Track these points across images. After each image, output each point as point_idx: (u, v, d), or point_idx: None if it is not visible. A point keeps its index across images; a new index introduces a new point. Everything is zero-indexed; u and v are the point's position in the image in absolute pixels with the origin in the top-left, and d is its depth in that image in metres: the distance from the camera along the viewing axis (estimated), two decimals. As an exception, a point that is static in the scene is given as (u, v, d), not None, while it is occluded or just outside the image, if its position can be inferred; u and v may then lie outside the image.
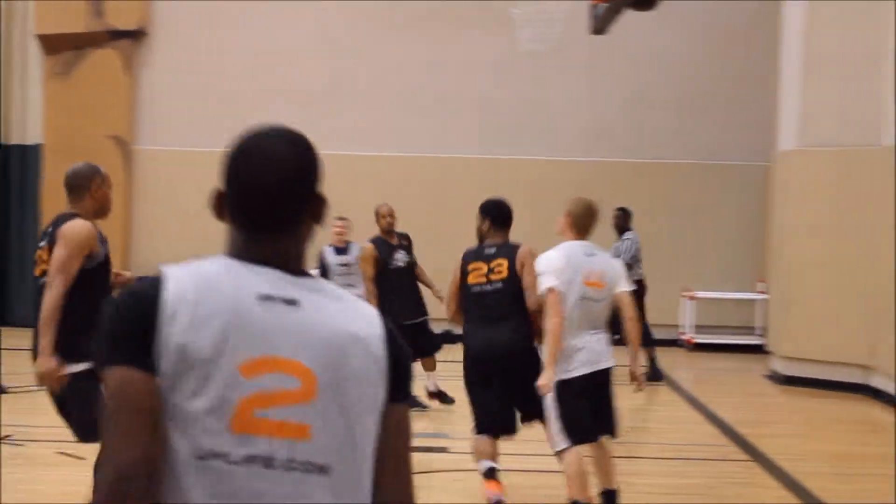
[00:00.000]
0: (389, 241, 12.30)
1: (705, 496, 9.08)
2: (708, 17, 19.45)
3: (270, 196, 2.44)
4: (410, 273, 12.36)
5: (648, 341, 15.22)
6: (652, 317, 15.87)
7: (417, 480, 7.77)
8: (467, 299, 8.36)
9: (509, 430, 8.24)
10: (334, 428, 2.31)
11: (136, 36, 20.07)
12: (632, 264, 14.90)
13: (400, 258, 12.25)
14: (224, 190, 2.48)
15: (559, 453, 7.59)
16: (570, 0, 15.52)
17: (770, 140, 16.61)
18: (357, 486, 2.35)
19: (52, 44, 19.99)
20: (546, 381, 7.42)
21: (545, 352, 7.49)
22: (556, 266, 7.51)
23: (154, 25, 20.14)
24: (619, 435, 7.89)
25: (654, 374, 15.14)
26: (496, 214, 8.53)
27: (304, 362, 2.31)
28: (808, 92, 14.87)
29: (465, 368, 8.33)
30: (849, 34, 14.47)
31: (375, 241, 12.30)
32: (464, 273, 8.36)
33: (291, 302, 2.36)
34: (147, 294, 2.32)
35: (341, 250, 14.26)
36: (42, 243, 6.53)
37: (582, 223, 7.73)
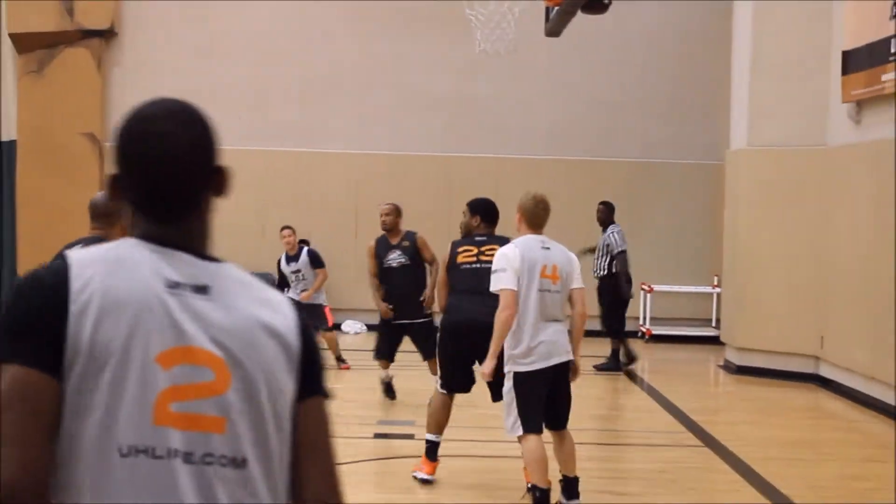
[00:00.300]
0: (389, 241, 12.13)
1: (661, 481, 9.21)
2: (665, 20, 19.60)
3: (170, 172, 2.28)
4: (407, 273, 11.87)
5: (620, 332, 15.46)
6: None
7: (384, 466, 7.87)
8: (455, 276, 8.85)
9: (466, 389, 8.89)
10: (248, 420, 2.19)
11: (106, 35, 20.04)
12: (622, 253, 15.10)
13: (394, 258, 12.00)
14: (119, 172, 2.31)
15: (520, 439, 7.72)
16: (526, 0, 15.61)
17: (724, 139, 16.82)
18: (271, 479, 2.23)
19: (25, 42, 19.93)
20: (488, 370, 7.60)
21: (492, 341, 7.62)
22: (512, 263, 7.58)
23: (124, 24, 20.12)
24: (565, 426, 7.94)
25: (616, 365, 15.31)
26: (485, 210, 9.08)
27: (217, 352, 2.18)
28: (756, 93, 15.06)
29: (444, 336, 8.85)
30: (795, 37, 14.65)
31: (379, 238, 12.24)
32: (453, 256, 8.78)
33: (201, 289, 2.22)
34: (51, 283, 2.16)
35: (292, 258, 14.68)
36: None
37: (534, 218, 7.83)
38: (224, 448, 2.16)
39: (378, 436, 10.51)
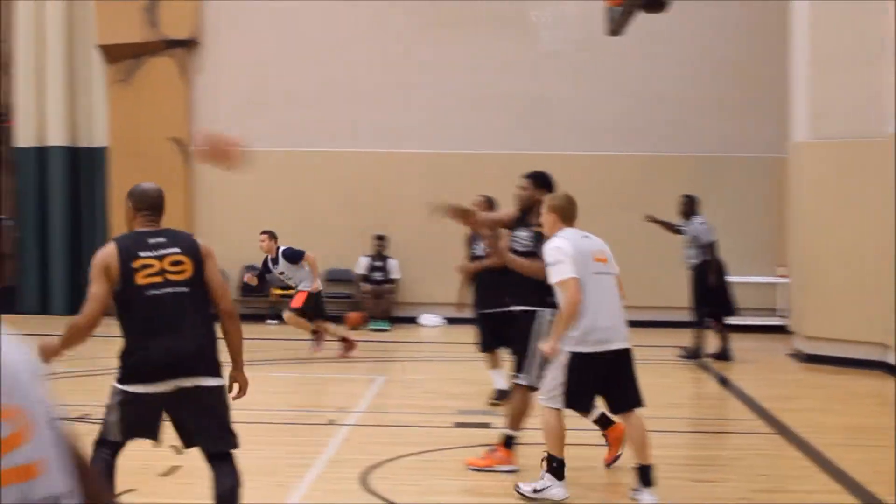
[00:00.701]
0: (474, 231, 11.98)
1: (734, 467, 9.15)
2: (724, 15, 19.46)
3: None
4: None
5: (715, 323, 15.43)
6: (679, 300, 15.96)
7: (465, 454, 7.79)
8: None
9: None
10: (55, 455, 2.21)
11: (188, 44, 20.30)
12: (711, 244, 15.04)
13: (480, 248, 11.90)
14: None
15: (546, 410, 7.78)
16: (588, 1, 15.56)
17: (784, 133, 16.71)
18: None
19: (113, 53, 20.26)
20: (550, 349, 7.62)
21: (557, 326, 7.67)
22: (567, 253, 7.68)
23: (205, 33, 20.35)
24: (644, 405, 7.90)
25: (695, 354, 15.23)
26: (552, 187, 8.71)
27: (8, 402, 2.13)
28: (817, 87, 14.94)
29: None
30: (852, 31, 14.52)
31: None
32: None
33: None
34: None
35: (274, 261, 14.79)
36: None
37: (568, 213, 7.97)
38: (49, 488, 2.17)
39: (458, 425, 10.54)
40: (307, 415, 11.13)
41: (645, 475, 7.77)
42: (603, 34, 14.92)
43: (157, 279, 5.99)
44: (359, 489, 8.05)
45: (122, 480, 7.66)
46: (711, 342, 15.43)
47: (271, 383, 13.79)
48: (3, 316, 20.20)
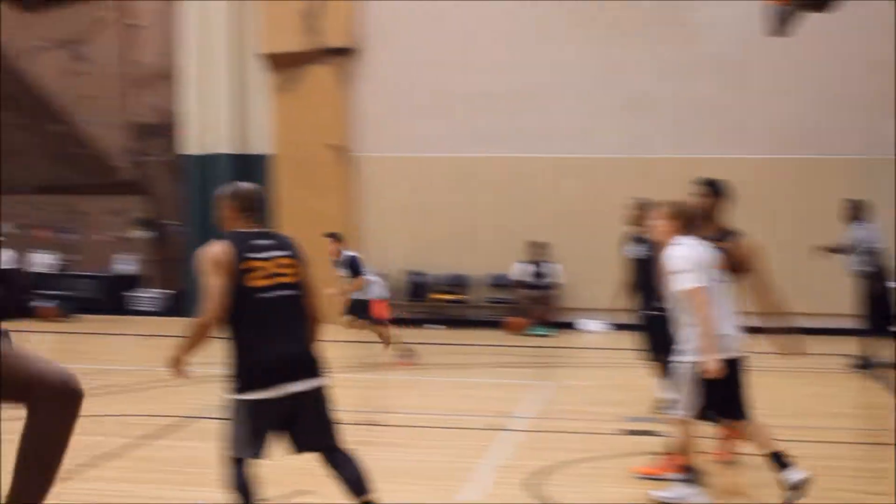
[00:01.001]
0: (632, 234, 11.90)
1: (905, 479, 8.99)
2: (884, 15, 18.99)
3: None
4: (639, 266, 10.80)
5: (874, 330, 15.12)
6: (842, 307, 15.63)
7: (629, 462, 7.80)
8: None
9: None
10: None
11: (347, 52, 20.72)
12: (869, 250, 14.79)
13: (633, 250, 11.74)
14: None
15: (682, 421, 7.84)
16: (751, 1, 15.38)
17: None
18: None
19: (276, 62, 20.81)
20: (714, 367, 7.61)
21: (704, 341, 7.63)
22: (691, 262, 7.74)
23: (364, 40, 20.71)
24: (748, 418, 7.89)
25: (869, 363, 14.96)
26: (726, 196, 8.68)
27: None
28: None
29: None
30: None
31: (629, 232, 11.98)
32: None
33: None
34: None
35: (339, 264, 15.10)
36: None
37: (688, 222, 8.01)
38: None
39: (625, 432, 10.56)
40: (469, 419, 11.28)
41: (779, 459, 7.77)
42: (762, 35, 14.78)
43: (268, 282, 6.09)
44: (524, 494, 8.16)
45: (294, 480, 7.95)
46: (883, 351, 15.10)
47: (431, 387, 14.00)
48: (174, 319, 20.72)
